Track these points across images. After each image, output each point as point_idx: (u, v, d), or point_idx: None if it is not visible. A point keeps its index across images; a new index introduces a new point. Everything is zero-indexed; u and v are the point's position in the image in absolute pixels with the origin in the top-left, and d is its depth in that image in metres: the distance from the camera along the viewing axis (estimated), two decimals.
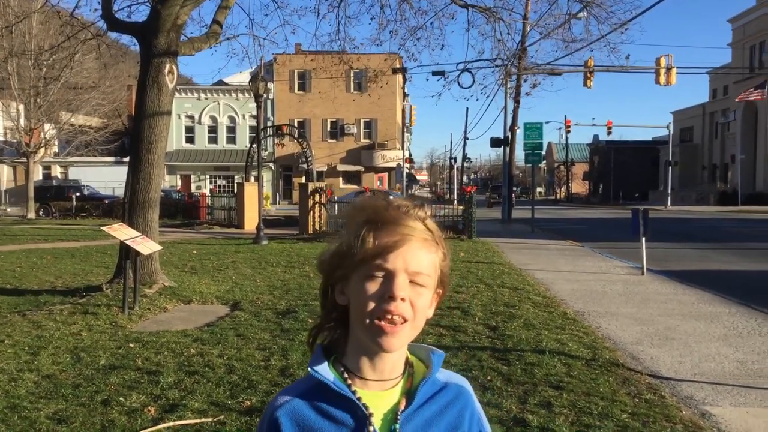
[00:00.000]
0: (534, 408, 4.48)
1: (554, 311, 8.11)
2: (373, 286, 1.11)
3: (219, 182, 55.53)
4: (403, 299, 1.10)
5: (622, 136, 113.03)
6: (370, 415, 1.13)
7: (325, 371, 1.16)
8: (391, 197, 1.22)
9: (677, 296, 9.60)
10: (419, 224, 1.16)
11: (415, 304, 1.12)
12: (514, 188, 35.57)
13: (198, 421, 4.31)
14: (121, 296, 8.13)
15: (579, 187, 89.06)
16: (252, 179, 26.79)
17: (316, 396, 1.16)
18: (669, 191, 50.42)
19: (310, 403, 1.16)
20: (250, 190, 24.56)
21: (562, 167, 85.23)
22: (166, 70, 9.85)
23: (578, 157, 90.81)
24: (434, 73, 24.81)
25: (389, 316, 1.10)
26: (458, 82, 23.50)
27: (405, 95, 54.90)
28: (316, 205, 21.38)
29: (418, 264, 1.13)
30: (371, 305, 1.11)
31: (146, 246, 8.52)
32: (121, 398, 4.77)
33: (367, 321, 1.11)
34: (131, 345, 6.38)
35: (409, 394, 1.18)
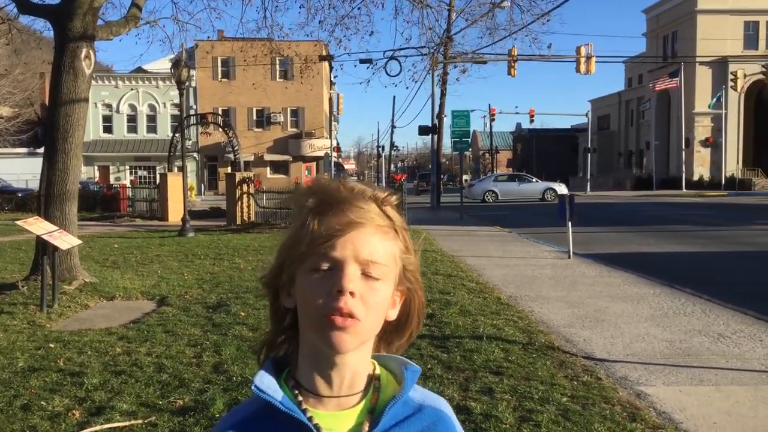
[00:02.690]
0: (476, 395, 4.46)
1: (488, 297, 8.17)
2: (319, 280, 0.95)
3: (140, 173, 53.76)
4: (353, 294, 0.94)
5: (544, 124, 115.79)
6: None
7: (273, 389, 0.99)
8: (348, 180, 1.05)
9: (603, 278, 9.86)
10: (374, 207, 0.99)
11: (367, 300, 0.95)
12: (442, 176, 35.95)
13: (127, 423, 4.08)
14: (39, 294, 7.70)
15: None
16: (175, 169, 26.04)
17: (263, 419, 0.99)
18: (588, 177, 52.15)
19: (256, 427, 0.99)
20: (174, 181, 23.85)
21: (487, 155, 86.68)
22: (83, 55, 9.36)
23: (502, 144, 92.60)
24: (362, 61, 24.73)
25: (338, 315, 0.93)
26: (386, 71, 23.48)
27: (332, 84, 54.49)
28: (245, 196, 20.95)
29: (372, 252, 0.96)
30: (318, 302, 0.94)
31: (64, 240, 8.09)
32: (42, 402, 4.47)
33: (315, 317, 0.95)
34: (51, 345, 6.03)
35: (374, 413, 1.01)
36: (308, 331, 0.99)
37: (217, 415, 4.15)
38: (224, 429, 1.01)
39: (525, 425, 3.93)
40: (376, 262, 0.97)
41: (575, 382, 4.78)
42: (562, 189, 36.75)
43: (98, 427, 4.04)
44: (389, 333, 1.06)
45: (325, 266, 0.95)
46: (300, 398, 1.00)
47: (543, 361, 5.32)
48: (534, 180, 38.68)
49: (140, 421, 4.10)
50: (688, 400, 4.49)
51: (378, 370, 1.06)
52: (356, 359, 1.00)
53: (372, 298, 0.96)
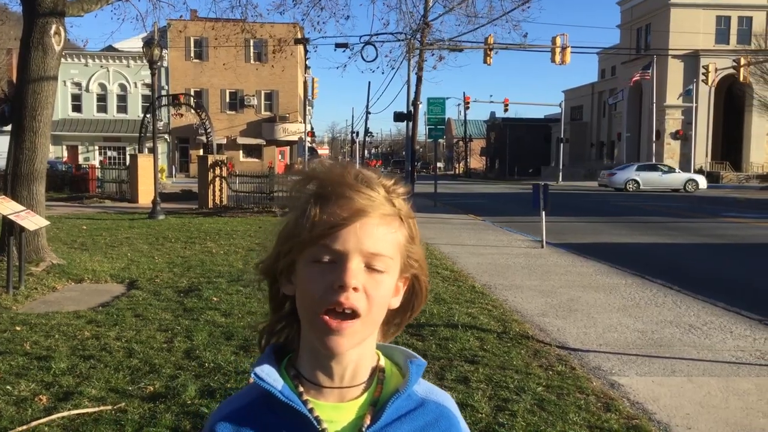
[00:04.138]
0: (452, 384, 4.44)
1: (462, 285, 8.18)
2: (320, 273, 0.90)
3: (109, 153, 52.76)
4: (356, 289, 0.89)
5: (518, 113, 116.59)
6: (323, 430, 0.93)
7: (273, 378, 0.95)
8: (352, 165, 0.99)
9: (576, 268, 9.93)
10: (379, 196, 0.93)
11: (371, 294, 0.91)
12: (416, 162, 35.89)
13: (96, 409, 3.99)
14: (5, 275, 7.51)
15: (476, 162, 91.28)
16: (146, 151, 25.64)
17: (261, 408, 0.96)
18: (560, 167, 52.55)
19: (254, 416, 0.95)
20: (144, 162, 23.47)
21: (460, 143, 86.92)
22: (53, 32, 9.11)
23: (476, 133, 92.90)
24: (338, 45, 24.49)
25: (339, 309, 0.89)
26: (362, 56, 23.31)
27: (307, 67, 53.98)
28: (217, 179, 20.71)
29: (376, 244, 0.91)
30: (317, 296, 0.90)
31: (32, 221, 7.90)
32: (8, 387, 4.36)
33: (312, 315, 0.91)
34: (18, 328, 5.89)
35: (376, 406, 0.97)
36: (305, 326, 0.95)
37: (189, 402, 4.08)
38: (221, 418, 0.97)
39: (501, 414, 3.93)
40: (381, 254, 0.92)
41: (550, 372, 4.79)
42: (702, 181, 36.73)
43: (66, 413, 3.94)
44: (390, 318, 1.02)
45: (327, 258, 0.91)
46: (301, 389, 0.96)
47: (518, 350, 5.32)
48: (676, 171, 38.64)
49: (109, 407, 4.01)
50: (661, 390, 4.53)
51: (382, 362, 1.02)
52: (358, 351, 0.97)
53: (376, 292, 0.92)
